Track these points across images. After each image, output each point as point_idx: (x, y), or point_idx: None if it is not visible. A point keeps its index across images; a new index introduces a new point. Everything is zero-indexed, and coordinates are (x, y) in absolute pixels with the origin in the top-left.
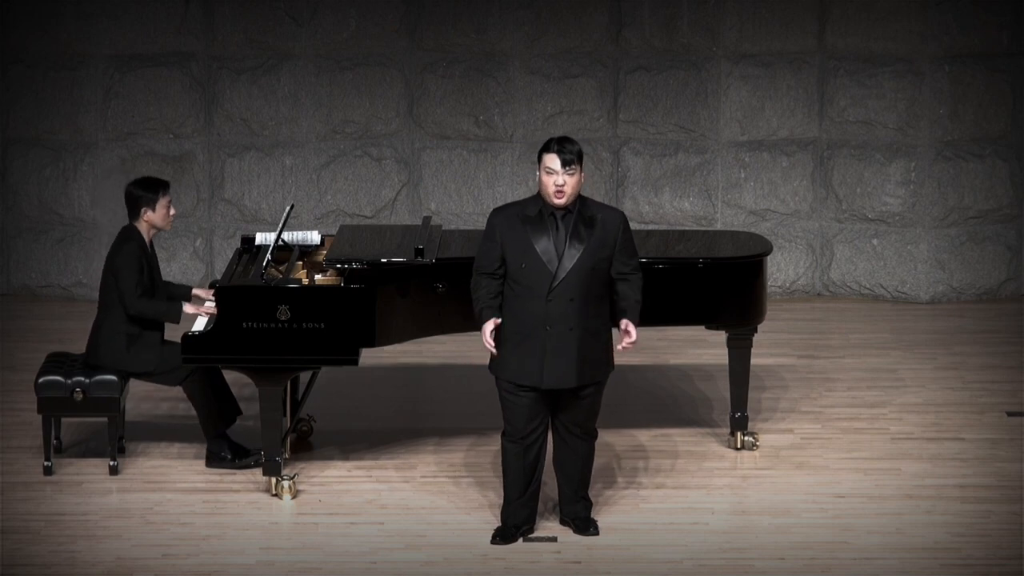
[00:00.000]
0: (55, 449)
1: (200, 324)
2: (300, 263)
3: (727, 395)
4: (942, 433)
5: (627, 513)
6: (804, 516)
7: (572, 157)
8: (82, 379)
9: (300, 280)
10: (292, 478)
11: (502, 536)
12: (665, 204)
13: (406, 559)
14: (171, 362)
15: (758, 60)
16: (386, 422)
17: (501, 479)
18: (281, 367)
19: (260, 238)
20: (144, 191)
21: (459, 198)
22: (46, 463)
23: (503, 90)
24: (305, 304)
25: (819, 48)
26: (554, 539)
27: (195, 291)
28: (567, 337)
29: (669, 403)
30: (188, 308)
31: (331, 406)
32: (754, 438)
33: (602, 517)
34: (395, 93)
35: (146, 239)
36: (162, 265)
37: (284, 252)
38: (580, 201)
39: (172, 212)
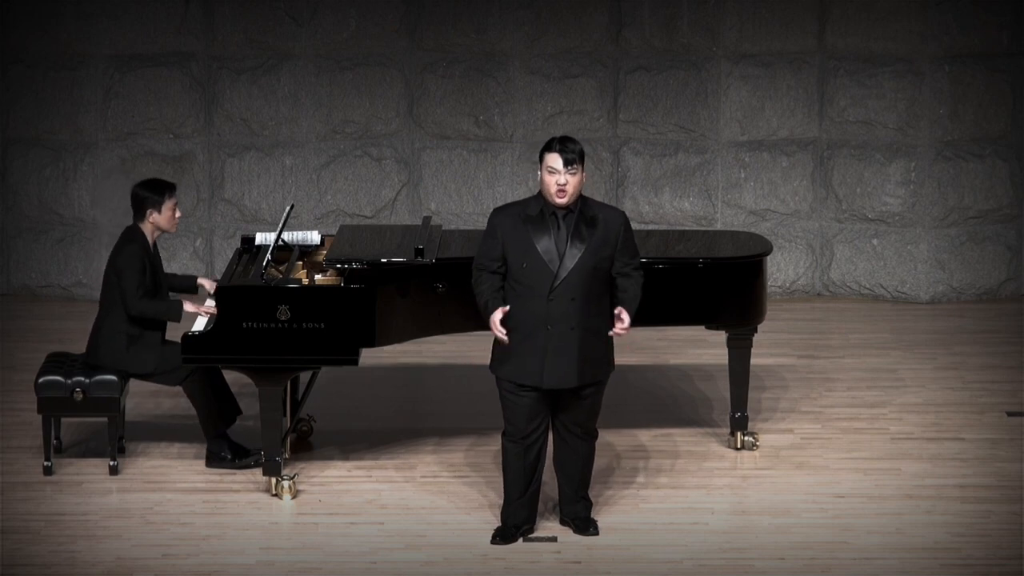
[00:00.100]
0: (55, 449)
1: (200, 324)
2: (300, 263)
3: (727, 395)
4: (942, 433)
5: (627, 513)
6: (804, 516)
7: (574, 156)
8: (82, 379)
9: (300, 280)
10: (292, 478)
11: (502, 536)
12: (665, 204)
13: (406, 559)
14: (171, 362)
15: (758, 60)
16: (386, 422)
17: (501, 479)
18: (281, 367)
19: (260, 238)
20: (151, 192)
21: (459, 198)
22: (46, 463)
23: (503, 90)
24: (305, 304)
25: (819, 48)
26: (554, 539)
27: (200, 280)
28: (568, 337)
29: (669, 403)
30: (188, 307)
31: (331, 406)
32: (754, 438)
33: (602, 517)
34: (395, 93)
35: (149, 240)
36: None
37: (284, 252)
38: (581, 201)
39: (178, 215)
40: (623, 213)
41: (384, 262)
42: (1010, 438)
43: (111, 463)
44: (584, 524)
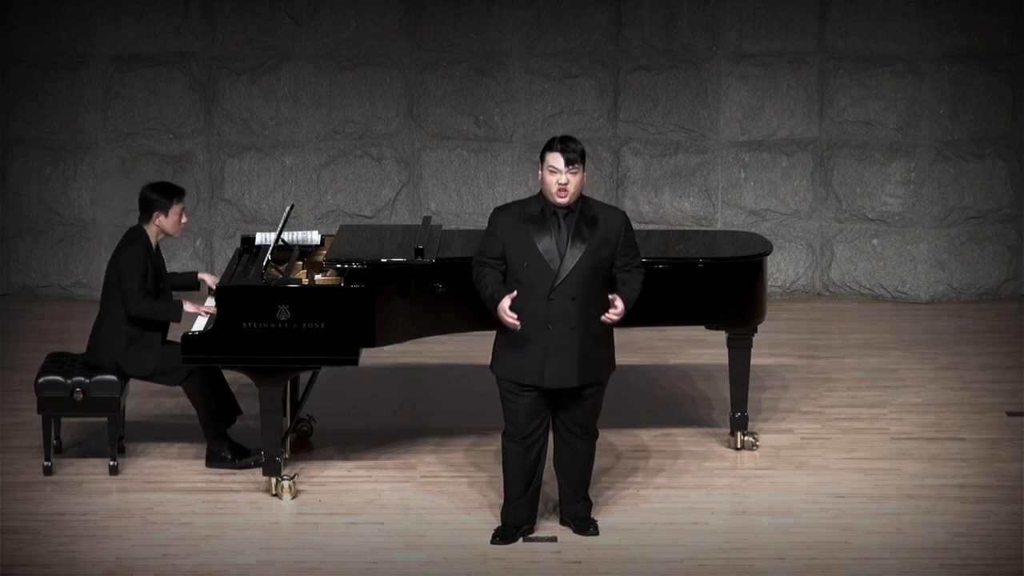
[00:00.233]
0: (55, 449)
1: (200, 324)
2: (300, 263)
3: (727, 395)
4: (942, 433)
5: (627, 513)
6: (804, 516)
7: (576, 156)
8: (82, 379)
9: (300, 280)
10: (292, 478)
11: (502, 536)
12: (665, 204)
13: (406, 559)
14: (171, 362)
15: (758, 60)
16: (386, 422)
17: (501, 479)
18: (281, 367)
19: (260, 238)
20: (159, 195)
21: (459, 198)
22: (46, 463)
23: (503, 90)
24: (305, 304)
25: (819, 48)
26: (554, 539)
27: (201, 275)
28: (569, 336)
29: (669, 403)
30: (188, 307)
31: (331, 406)
32: (754, 438)
33: (602, 517)
34: (395, 93)
35: (152, 243)
36: None
37: (284, 252)
38: (582, 200)
39: (184, 221)
40: (624, 213)
41: (384, 262)
42: (1010, 438)
43: (111, 463)
44: (584, 524)
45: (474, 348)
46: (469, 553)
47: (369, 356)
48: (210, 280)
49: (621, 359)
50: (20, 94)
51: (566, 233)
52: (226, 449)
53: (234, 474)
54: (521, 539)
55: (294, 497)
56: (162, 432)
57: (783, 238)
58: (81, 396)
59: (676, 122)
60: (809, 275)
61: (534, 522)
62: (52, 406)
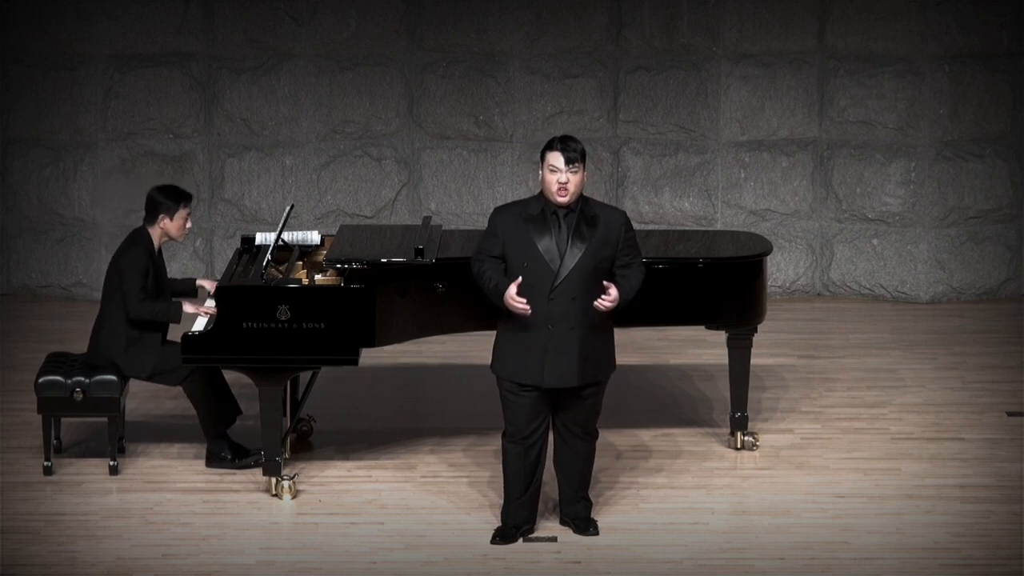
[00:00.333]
0: (55, 449)
1: (200, 324)
2: (300, 263)
3: (727, 395)
4: (942, 433)
5: (627, 513)
6: (804, 516)
7: (576, 155)
8: (82, 379)
9: (300, 280)
10: (292, 478)
11: (502, 536)
12: (665, 204)
13: (406, 559)
14: (171, 362)
15: (758, 60)
16: (386, 422)
17: (501, 479)
18: (281, 367)
19: (260, 238)
20: (166, 198)
21: (459, 198)
22: (46, 463)
23: (503, 90)
24: (305, 304)
25: (819, 48)
26: (554, 539)
27: (199, 281)
28: (569, 336)
29: (669, 403)
30: (188, 308)
31: (331, 406)
32: (754, 438)
33: (602, 517)
34: (395, 93)
35: (156, 245)
36: None
37: (284, 252)
38: (582, 200)
39: (188, 225)
40: (624, 213)
41: (384, 262)
42: (1010, 438)
43: (111, 463)
44: (584, 524)
45: (474, 348)
46: (469, 553)
47: (369, 356)
48: (208, 286)
49: (621, 359)
50: (20, 94)
51: (566, 233)
52: (226, 449)
53: (234, 474)
54: (521, 539)
55: (294, 497)
56: (162, 432)
57: (783, 238)
58: (81, 396)
59: (676, 122)
60: (809, 275)
61: (534, 522)
62: (52, 406)
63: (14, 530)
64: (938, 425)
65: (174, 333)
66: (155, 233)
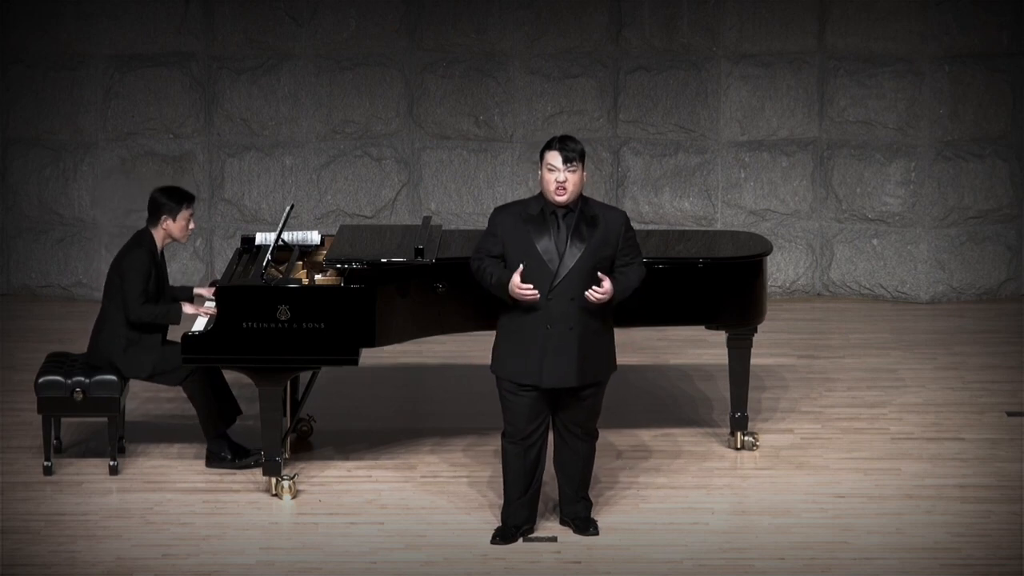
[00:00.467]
0: (55, 449)
1: (200, 324)
2: (300, 263)
3: (727, 395)
4: (942, 433)
5: (627, 513)
6: (804, 516)
7: (574, 155)
8: (82, 379)
9: (300, 280)
10: (292, 478)
11: (502, 536)
12: (665, 204)
13: (406, 559)
14: (171, 362)
15: (758, 60)
16: (386, 422)
17: (501, 479)
18: (281, 367)
19: (260, 238)
20: (168, 199)
21: (459, 198)
22: (46, 463)
23: (503, 90)
24: (305, 304)
25: (819, 48)
26: (554, 539)
27: (196, 290)
28: (568, 336)
29: (669, 403)
30: (188, 308)
31: (331, 406)
32: (754, 438)
33: (602, 517)
34: (395, 93)
35: (158, 246)
36: None
37: (284, 252)
38: (582, 201)
39: (191, 227)
40: (624, 214)
41: (384, 262)
42: (1010, 438)
43: (111, 463)
44: (584, 524)
45: (474, 348)
46: (469, 553)
47: (369, 356)
48: (206, 293)
49: (621, 359)
50: (20, 94)
51: (565, 233)
52: (226, 449)
53: (234, 474)
54: (521, 539)
55: (294, 497)
56: (162, 432)
57: (783, 238)
58: (81, 396)
59: (676, 122)
60: (809, 275)
61: (534, 522)
62: (52, 406)
63: (14, 530)
64: (938, 425)
65: (174, 333)
66: (158, 234)
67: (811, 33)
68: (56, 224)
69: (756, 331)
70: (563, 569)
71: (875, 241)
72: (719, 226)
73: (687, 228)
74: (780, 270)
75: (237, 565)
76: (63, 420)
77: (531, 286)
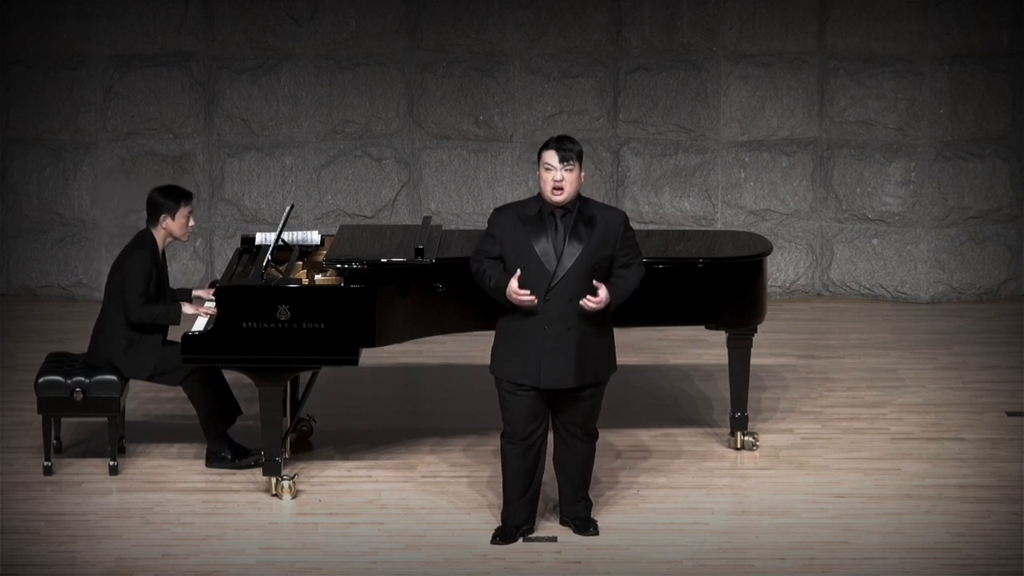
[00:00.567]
0: (55, 449)
1: (200, 324)
2: (300, 263)
3: (727, 395)
4: (942, 433)
5: (627, 513)
6: (804, 516)
7: (571, 154)
8: (82, 379)
9: (300, 280)
10: (292, 478)
11: (502, 536)
12: (665, 204)
13: (406, 559)
14: (171, 362)
15: (758, 60)
16: (386, 422)
17: (501, 479)
18: (281, 367)
19: (260, 238)
20: (166, 198)
21: (459, 198)
22: (46, 463)
23: (503, 90)
24: (305, 304)
25: (819, 48)
26: (554, 539)
27: (195, 292)
28: (565, 337)
29: (669, 403)
30: (188, 308)
31: (331, 406)
32: (754, 438)
33: (602, 517)
34: (395, 93)
35: (160, 246)
36: None
37: (284, 252)
38: (580, 201)
39: (191, 224)
40: (623, 214)
41: (384, 262)
42: (1010, 438)
43: (111, 463)
44: (584, 524)
45: (474, 348)
46: (469, 553)
47: (369, 356)
48: (205, 295)
49: (621, 359)
50: (20, 94)
51: (563, 234)
52: (226, 449)
53: (234, 474)
54: (521, 539)
55: (294, 497)
56: (162, 432)
57: (783, 238)
58: (81, 396)
59: (676, 122)
60: (809, 275)
61: (534, 522)
62: (52, 406)
63: (14, 530)
64: (938, 425)
65: (174, 333)
66: (159, 234)
67: (811, 33)
68: (56, 224)
69: (756, 331)
70: (563, 569)
71: (875, 241)
72: (719, 226)
73: (687, 228)
74: (780, 270)
75: (237, 565)
76: (63, 420)
77: (528, 292)
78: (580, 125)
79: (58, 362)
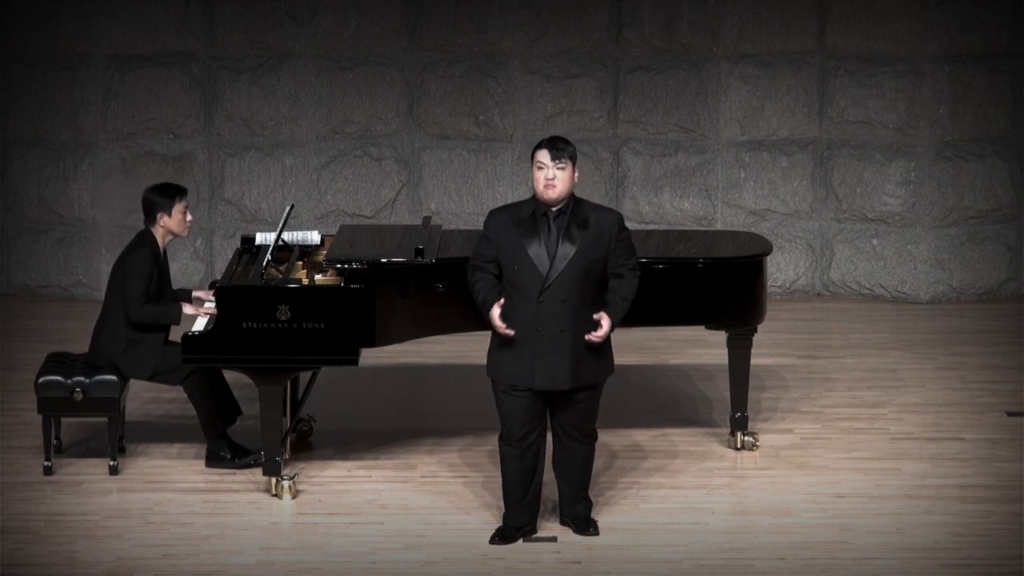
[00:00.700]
0: (55, 449)
1: (200, 324)
2: (300, 263)
3: (727, 395)
4: (942, 433)
5: (627, 513)
6: (804, 516)
7: (562, 153)
8: (82, 379)
9: (300, 280)
10: (292, 478)
11: (501, 536)
12: (665, 204)
13: (406, 559)
14: (171, 362)
15: (758, 60)
16: (386, 422)
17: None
18: (281, 367)
19: (260, 238)
20: (160, 196)
21: (459, 198)
22: (46, 463)
23: (503, 90)
24: (305, 304)
25: (819, 48)
26: (554, 539)
27: (195, 293)
28: (559, 338)
29: (669, 403)
30: (188, 309)
31: (331, 406)
32: (754, 438)
33: (602, 517)
34: (395, 93)
35: (160, 245)
36: None
37: (284, 252)
38: (574, 202)
39: (189, 218)
40: (618, 214)
41: (384, 262)
42: (1010, 438)
43: (111, 463)
44: (584, 524)
45: (474, 348)
46: (469, 553)
47: (369, 356)
48: (204, 295)
49: (621, 359)
50: (20, 94)
51: (556, 235)
52: (226, 449)
53: (234, 474)
54: (521, 539)
55: (294, 497)
56: (162, 432)
57: (783, 238)
58: (81, 396)
59: (676, 122)
60: (809, 275)
61: (535, 524)
62: (52, 406)
63: (14, 530)
64: (938, 425)
65: (174, 334)
66: (158, 233)
67: (811, 33)
68: (56, 224)
69: (756, 331)
70: (563, 569)
71: (875, 241)
72: (719, 226)
73: (687, 228)
74: (780, 270)
75: (237, 565)
76: (63, 420)
77: (504, 325)
78: (580, 125)
79: (58, 362)
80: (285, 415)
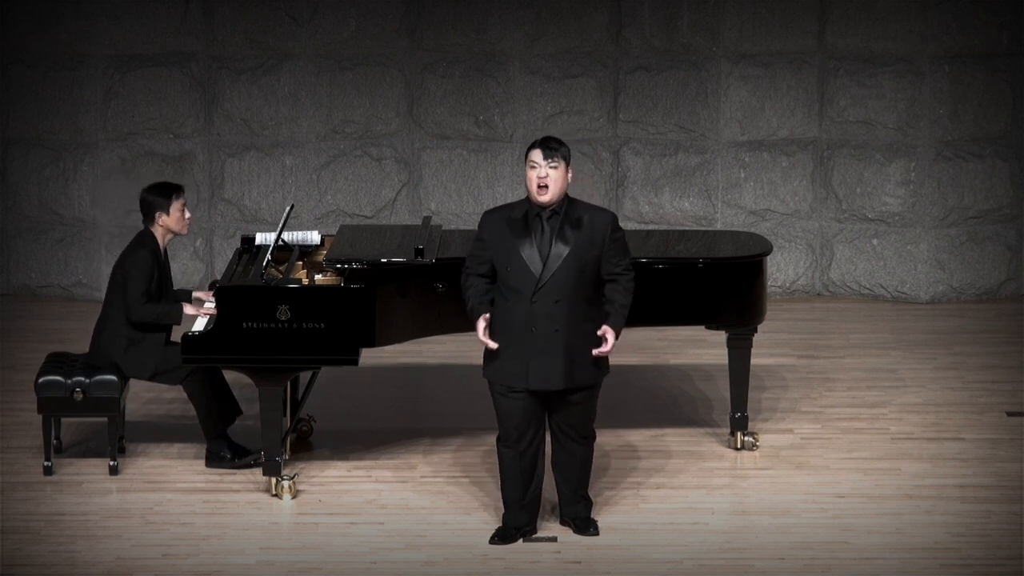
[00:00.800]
0: (55, 449)
1: (200, 324)
2: (300, 263)
3: (727, 395)
4: (942, 433)
5: (627, 513)
6: (804, 516)
7: (555, 152)
8: (82, 379)
9: (300, 280)
10: (292, 478)
11: (501, 536)
12: (665, 204)
13: (406, 559)
14: (172, 361)
15: (758, 60)
16: (386, 422)
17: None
18: (281, 367)
19: (260, 238)
20: (157, 195)
21: (459, 198)
22: (46, 463)
23: (503, 90)
24: (305, 304)
25: (819, 48)
26: (554, 539)
27: (195, 294)
28: (553, 339)
29: (669, 403)
30: (188, 309)
31: (331, 406)
32: (754, 438)
33: (602, 517)
34: (395, 93)
35: (161, 245)
36: None
37: (284, 252)
38: (568, 203)
39: (188, 216)
40: (612, 214)
41: (384, 262)
42: (1010, 438)
43: (111, 463)
44: (584, 524)
45: (474, 348)
46: (469, 553)
47: (369, 356)
48: (204, 296)
49: (621, 359)
50: (20, 94)
51: (549, 235)
52: (226, 449)
53: (234, 474)
54: (521, 539)
55: (294, 497)
56: (162, 432)
57: (783, 238)
58: (81, 396)
59: (676, 122)
60: (809, 275)
61: (535, 525)
62: (52, 406)
63: (14, 530)
64: (938, 425)
65: (175, 334)
66: (158, 233)
67: (811, 33)
68: (56, 224)
69: (756, 331)
70: (563, 569)
71: (875, 241)
72: (719, 226)
73: (687, 228)
74: (780, 270)
75: (237, 565)
76: (63, 420)
77: (488, 338)
78: (580, 125)
79: (58, 362)
80: (285, 415)
